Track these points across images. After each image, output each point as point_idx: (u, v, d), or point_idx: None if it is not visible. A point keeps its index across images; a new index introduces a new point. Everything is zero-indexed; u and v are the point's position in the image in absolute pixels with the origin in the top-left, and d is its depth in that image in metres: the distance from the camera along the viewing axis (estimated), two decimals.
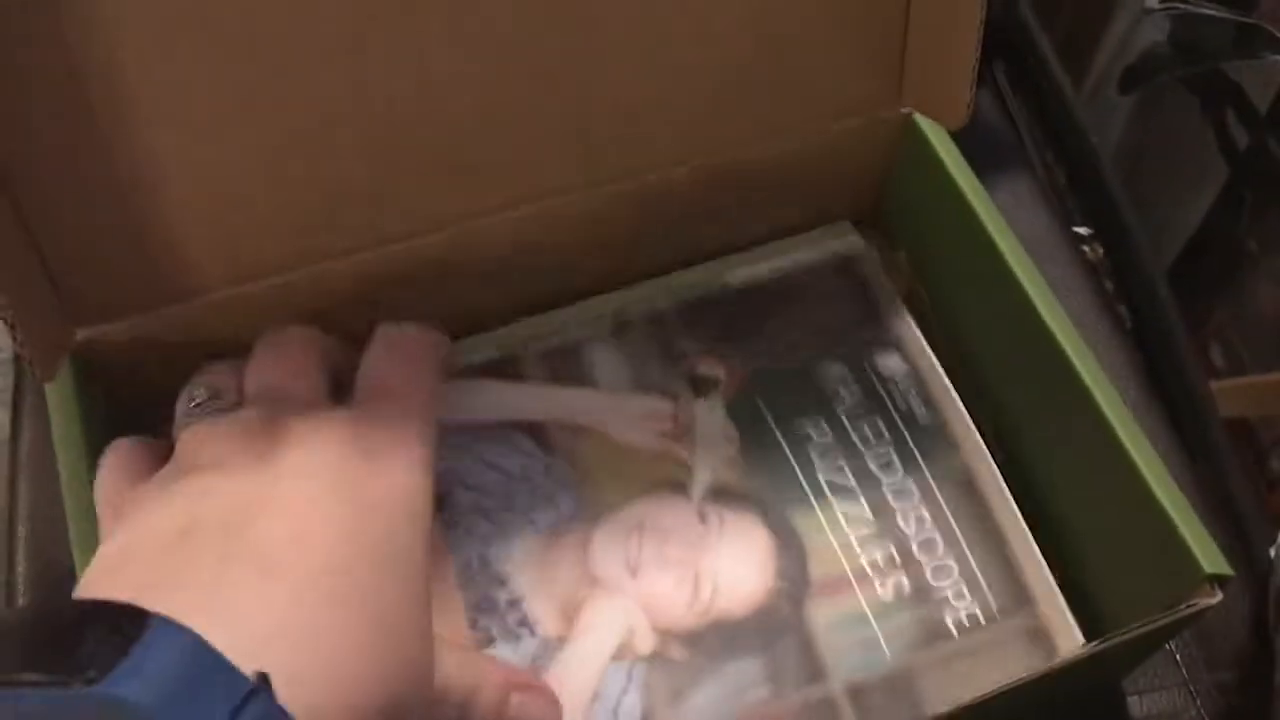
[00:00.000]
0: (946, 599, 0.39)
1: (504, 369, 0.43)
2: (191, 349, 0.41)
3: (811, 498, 0.40)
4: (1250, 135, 0.77)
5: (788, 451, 0.41)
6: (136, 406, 0.40)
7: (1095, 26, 0.87)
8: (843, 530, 0.39)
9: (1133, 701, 0.43)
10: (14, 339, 0.34)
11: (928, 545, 0.39)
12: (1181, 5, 0.76)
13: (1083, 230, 0.56)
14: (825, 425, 0.41)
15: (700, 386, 0.42)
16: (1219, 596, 0.35)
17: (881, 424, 0.41)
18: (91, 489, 0.36)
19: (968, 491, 0.40)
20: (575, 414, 0.41)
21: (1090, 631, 0.38)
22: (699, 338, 0.43)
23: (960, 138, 0.43)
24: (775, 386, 0.42)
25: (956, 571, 0.39)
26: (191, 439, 0.32)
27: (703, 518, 0.39)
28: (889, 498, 0.40)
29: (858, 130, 0.43)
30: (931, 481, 0.40)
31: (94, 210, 0.36)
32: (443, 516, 0.39)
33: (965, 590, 0.39)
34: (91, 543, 0.34)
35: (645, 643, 0.37)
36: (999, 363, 0.42)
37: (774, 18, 0.39)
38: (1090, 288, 0.54)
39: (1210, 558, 0.35)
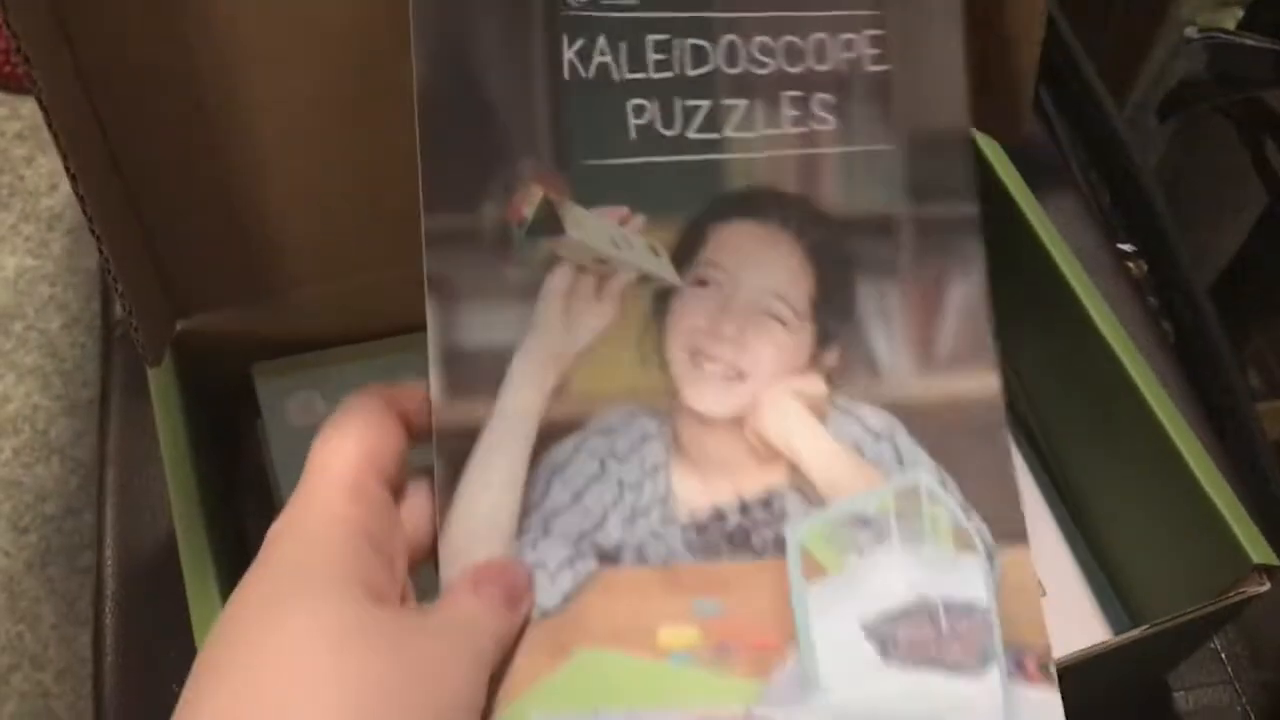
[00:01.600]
0: None
1: None
2: (280, 341, 0.43)
3: None
4: None
5: None
6: (225, 394, 0.43)
7: (1136, 54, 0.89)
8: None
9: (1178, 697, 0.44)
10: (130, 325, 0.37)
11: None
12: (1221, 35, 0.78)
13: (1127, 247, 0.58)
14: None
15: None
16: (1266, 585, 0.36)
17: None
18: (192, 475, 0.38)
19: None
20: None
21: (1139, 622, 0.40)
22: None
23: (1008, 154, 0.45)
24: None
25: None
26: None
27: None
28: None
29: None
30: None
31: (199, 208, 0.38)
32: None
33: None
34: (192, 529, 0.36)
35: None
36: (1047, 368, 0.44)
37: None
38: (1134, 302, 0.55)
39: (1257, 547, 0.36)
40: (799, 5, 0.37)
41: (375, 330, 0.45)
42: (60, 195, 1.14)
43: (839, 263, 0.37)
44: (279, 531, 0.30)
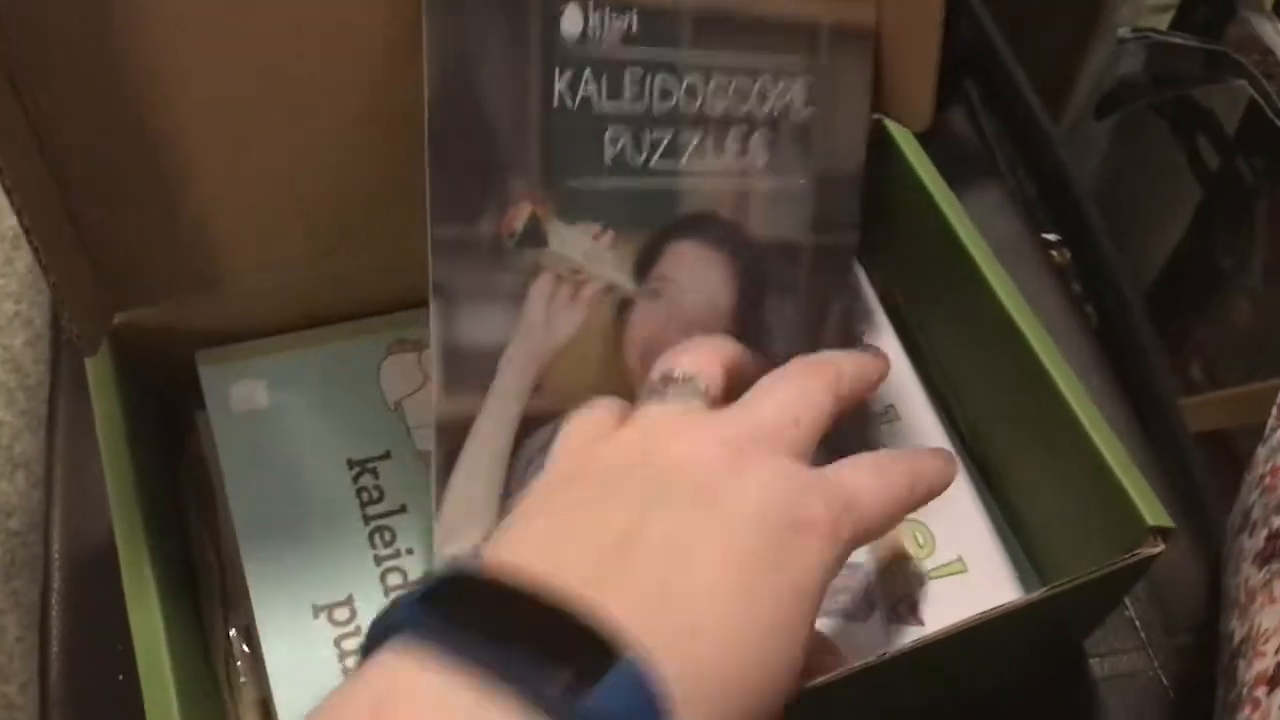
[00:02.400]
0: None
1: None
2: (223, 331, 0.45)
3: None
4: (1220, 157, 0.80)
5: None
6: (167, 386, 0.44)
7: (1074, 57, 0.91)
8: None
9: (1094, 664, 0.46)
10: (61, 315, 0.38)
11: None
12: (1153, 34, 0.80)
13: (1051, 237, 0.60)
14: None
15: None
16: (1161, 546, 0.38)
17: None
18: (129, 465, 0.39)
19: None
20: None
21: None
22: None
23: (934, 151, 0.46)
24: None
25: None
26: (660, 423, 0.33)
27: None
28: None
29: None
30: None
31: (134, 201, 0.39)
32: None
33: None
34: (129, 516, 0.38)
35: None
36: (962, 345, 0.46)
37: None
38: (1058, 289, 0.57)
39: (1153, 511, 0.38)
40: (750, 53, 0.42)
41: (318, 318, 0.46)
42: None
43: (756, 281, 0.44)
44: None
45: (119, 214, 0.39)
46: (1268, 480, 0.41)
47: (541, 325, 0.40)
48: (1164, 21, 0.86)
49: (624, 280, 0.41)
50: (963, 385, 0.47)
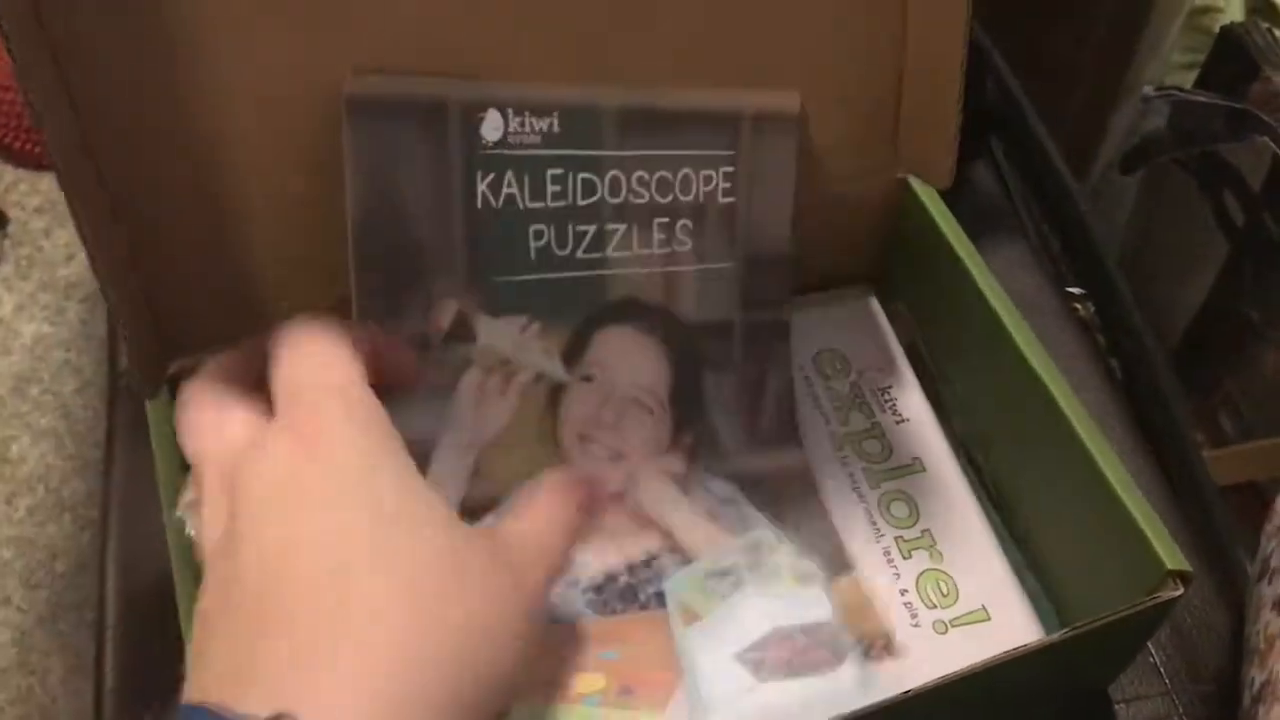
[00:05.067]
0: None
1: None
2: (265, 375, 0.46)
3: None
4: (1246, 213, 0.82)
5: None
6: None
7: (1101, 114, 0.93)
8: None
9: (1120, 709, 0.47)
10: (123, 361, 0.40)
11: None
12: (1177, 92, 0.82)
13: (1075, 290, 0.61)
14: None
15: None
16: (1180, 590, 0.39)
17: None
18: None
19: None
20: None
21: None
22: None
23: (959, 207, 0.48)
24: None
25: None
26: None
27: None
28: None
29: (858, 191, 0.49)
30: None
31: (194, 252, 0.42)
32: None
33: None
34: (186, 559, 0.39)
35: None
36: (985, 397, 0.47)
37: None
38: (1082, 342, 0.58)
39: (1171, 555, 0.39)
40: (672, 145, 0.44)
41: None
42: (76, 265, 1.19)
43: (691, 361, 0.45)
44: (316, 435, 0.32)
45: (180, 264, 0.41)
46: None
47: (472, 416, 0.42)
48: (1189, 79, 0.87)
49: (554, 369, 0.44)
50: (986, 437, 0.48)
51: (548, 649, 0.40)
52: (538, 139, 0.42)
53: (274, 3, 0.37)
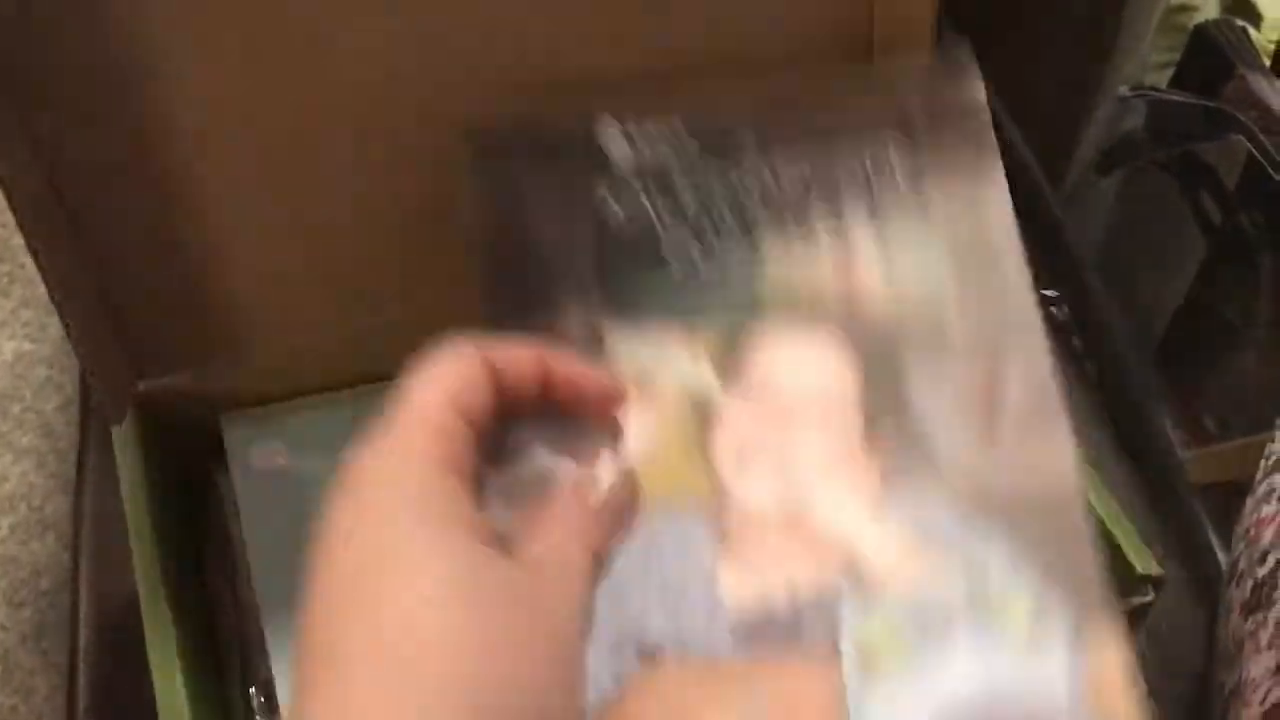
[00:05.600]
0: None
1: None
2: (240, 398, 0.46)
3: None
4: (1223, 212, 0.82)
5: None
6: (191, 449, 0.46)
7: (1078, 115, 0.93)
8: None
9: None
10: (88, 383, 0.40)
11: None
12: (1152, 92, 0.82)
13: (1050, 293, 0.61)
14: None
15: None
16: (1151, 595, 0.39)
17: None
18: (152, 529, 0.40)
19: None
20: None
21: None
22: None
23: None
24: None
25: None
26: None
27: None
28: None
29: None
30: None
31: (159, 273, 0.41)
32: None
33: None
34: (152, 578, 0.39)
35: None
36: None
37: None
38: (1056, 345, 0.58)
39: (1143, 560, 0.39)
40: (825, 131, 0.38)
41: (340, 383, 0.47)
42: None
43: (884, 353, 0.37)
44: (369, 469, 0.29)
45: (144, 285, 0.41)
46: (1252, 532, 0.42)
47: None
48: (1167, 78, 0.87)
49: (702, 377, 0.37)
50: None
51: (674, 689, 0.33)
52: (667, 150, 0.38)
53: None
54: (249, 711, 0.42)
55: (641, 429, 0.34)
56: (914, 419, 0.36)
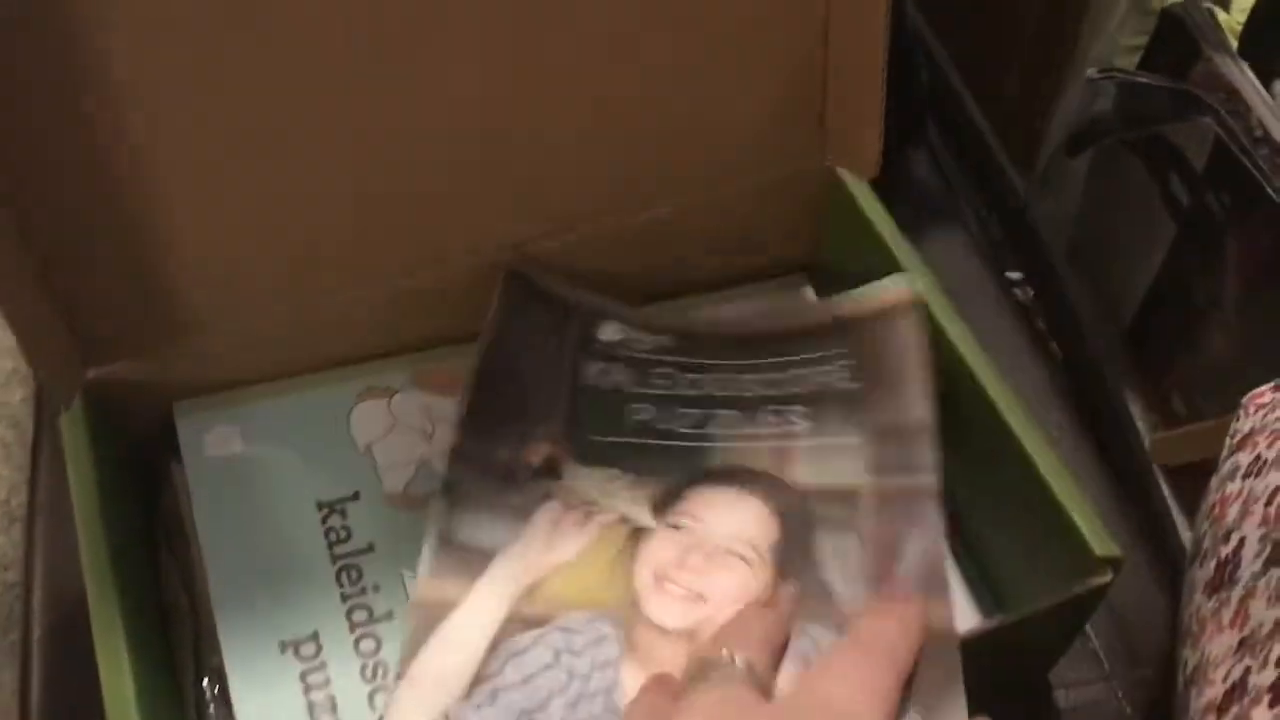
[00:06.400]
0: None
1: None
2: (190, 386, 0.46)
3: None
4: (1191, 194, 0.82)
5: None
6: (142, 437, 0.45)
7: (1047, 98, 0.93)
8: None
9: (1059, 694, 0.46)
10: (35, 369, 0.39)
11: None
12: (1120, 74, 0.82)
13: (1015, 275, 0.61)
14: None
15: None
16: (1109, 577, 0.38)
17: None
18: (101, 519, 0.39)
19: None
20: None
21: None
22: None
23: (896, 195, 0.48)
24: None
25: None
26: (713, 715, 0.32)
27: None
28: None
29: (788, 180, 0.48)
30: None
31: (103, 256, 0.41)
32: None
33: None
34: (100, 569, 0.38)
35: None
36: None
37: (711, 87, 0.45)
38: (1020, 327, 0.58)
39: (1101, 542, 0.39)
40: (780, 353, 0.46)
41: (291, 369, 0.47)
42: None
43: (802, 520, 0.42)
44: None
45: (88, 270, 0.40)
46: (1217, 510, 0.42)
47: (544, 541, 0.41)
48: (1134, 61, 0.87)
49: (639, 515, 0.42)
50: None
51: None
52: (650, 347, 0.46)
53: None
54: (201, 703, 0.42)
55: (577, 542, 0.41)
56: (817, 573, 0.41)
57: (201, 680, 0.42)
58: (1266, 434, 0.40)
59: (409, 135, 0.42)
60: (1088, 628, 0.48)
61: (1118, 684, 0.47)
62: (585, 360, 0.45)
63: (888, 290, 0.45)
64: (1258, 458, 0.40)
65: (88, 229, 0.40)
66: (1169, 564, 0.50)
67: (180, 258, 0.42)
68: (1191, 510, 0.52)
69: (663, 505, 0.42)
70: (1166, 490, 0.53)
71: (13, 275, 0.38)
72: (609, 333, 0.46)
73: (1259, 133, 0.77)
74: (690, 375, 0.45)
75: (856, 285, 0.49)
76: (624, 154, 0.45)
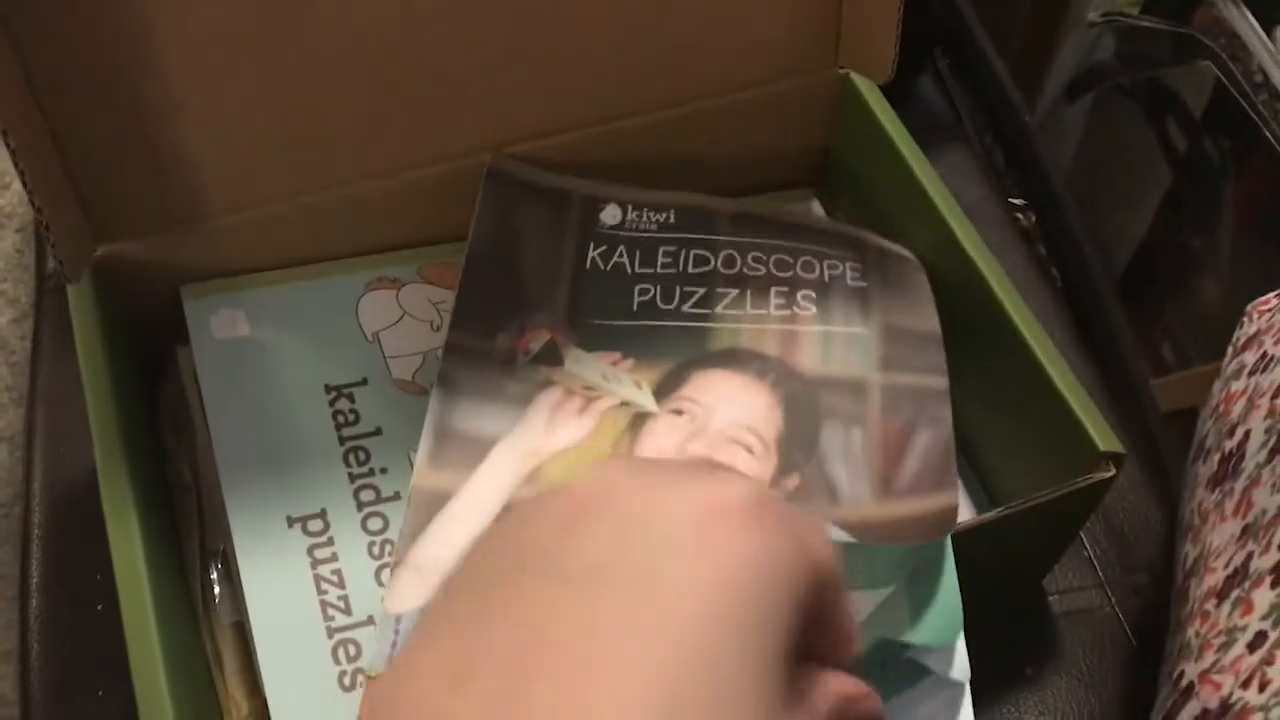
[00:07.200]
0: None
1: None
2: (199, 270, 0.46)
3: None
4: (1188, 139, 0.82)
5: None
6: (149, 320, 0.45)
7: (1049, 41, 0.93)
8: None
9: (1053, 600, 0.47)
10: (46, 241, 0.39)
11: None
12: (1121, 17, 0.82)
13: (1017, 201, 0.61)
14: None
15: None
16: (1112, 471, 0.39)
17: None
18: (110, 391, 0.39)
19: None
20: None
21: None
22: None
23: (903, 120, 0.47)
24: None
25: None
26: None
27: None
28: None
29: (802, 88, 0.48)
30: None
31: (119, 135, 0.40)
32: None
33: None
34: (109, 438, 0.38)
35: None
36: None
37: None
38: (1023, 250, 0.58)
39: (1104, 436, 0.39)
40: (790, 238, 0.46)
41: (300, 258, 0.46)
42: (11, 194, 1.16)
43: (808, 411, 0.42)
44: None
45: (104, 146, 0.40)
46: (1221, 408, 0.42)
47: (544, 428, 0.41)
48: (1135, 6, 0.87)
49: (642, 399, 0.42)
50: None
51: None
52: (654, 227, 0.46)
53: None
54: (207, 583, 0.42)
55: (578, 428, 0.41)
56: (821, 468, 0.41)
57: (207, 563, 0.42)
58: (1273, 332, 0.41)
59: (423, 26, 0.41)
60: (1082, 534, 0.48)
61: (1111, 590, 0.48)
62: (589, 245, 0.45)
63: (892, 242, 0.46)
64: (1264, 355, 0.41)
65: (101, 105, 0.39)
66: (1160, 476, 0.51)
67: (192, 138, 0.42)
68: (1179, 454, 0.53)
69: (666, 388, 0.42)
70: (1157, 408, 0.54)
71: (33, 144, 0.37)
72: (611, 215, 0.46)
73: (1259, 78, 0.78)
74: (695, 251, 0.45)
75: (866, 195, 0.50)
76: (639, 56, 0.45)
